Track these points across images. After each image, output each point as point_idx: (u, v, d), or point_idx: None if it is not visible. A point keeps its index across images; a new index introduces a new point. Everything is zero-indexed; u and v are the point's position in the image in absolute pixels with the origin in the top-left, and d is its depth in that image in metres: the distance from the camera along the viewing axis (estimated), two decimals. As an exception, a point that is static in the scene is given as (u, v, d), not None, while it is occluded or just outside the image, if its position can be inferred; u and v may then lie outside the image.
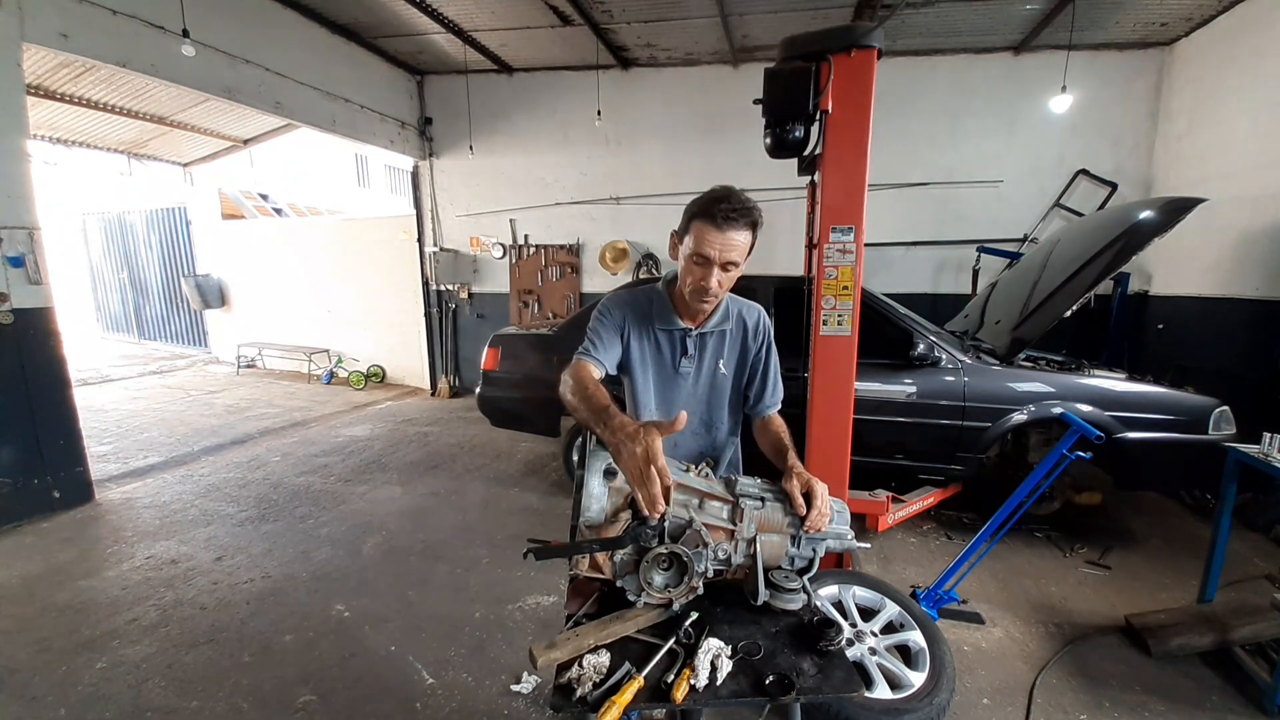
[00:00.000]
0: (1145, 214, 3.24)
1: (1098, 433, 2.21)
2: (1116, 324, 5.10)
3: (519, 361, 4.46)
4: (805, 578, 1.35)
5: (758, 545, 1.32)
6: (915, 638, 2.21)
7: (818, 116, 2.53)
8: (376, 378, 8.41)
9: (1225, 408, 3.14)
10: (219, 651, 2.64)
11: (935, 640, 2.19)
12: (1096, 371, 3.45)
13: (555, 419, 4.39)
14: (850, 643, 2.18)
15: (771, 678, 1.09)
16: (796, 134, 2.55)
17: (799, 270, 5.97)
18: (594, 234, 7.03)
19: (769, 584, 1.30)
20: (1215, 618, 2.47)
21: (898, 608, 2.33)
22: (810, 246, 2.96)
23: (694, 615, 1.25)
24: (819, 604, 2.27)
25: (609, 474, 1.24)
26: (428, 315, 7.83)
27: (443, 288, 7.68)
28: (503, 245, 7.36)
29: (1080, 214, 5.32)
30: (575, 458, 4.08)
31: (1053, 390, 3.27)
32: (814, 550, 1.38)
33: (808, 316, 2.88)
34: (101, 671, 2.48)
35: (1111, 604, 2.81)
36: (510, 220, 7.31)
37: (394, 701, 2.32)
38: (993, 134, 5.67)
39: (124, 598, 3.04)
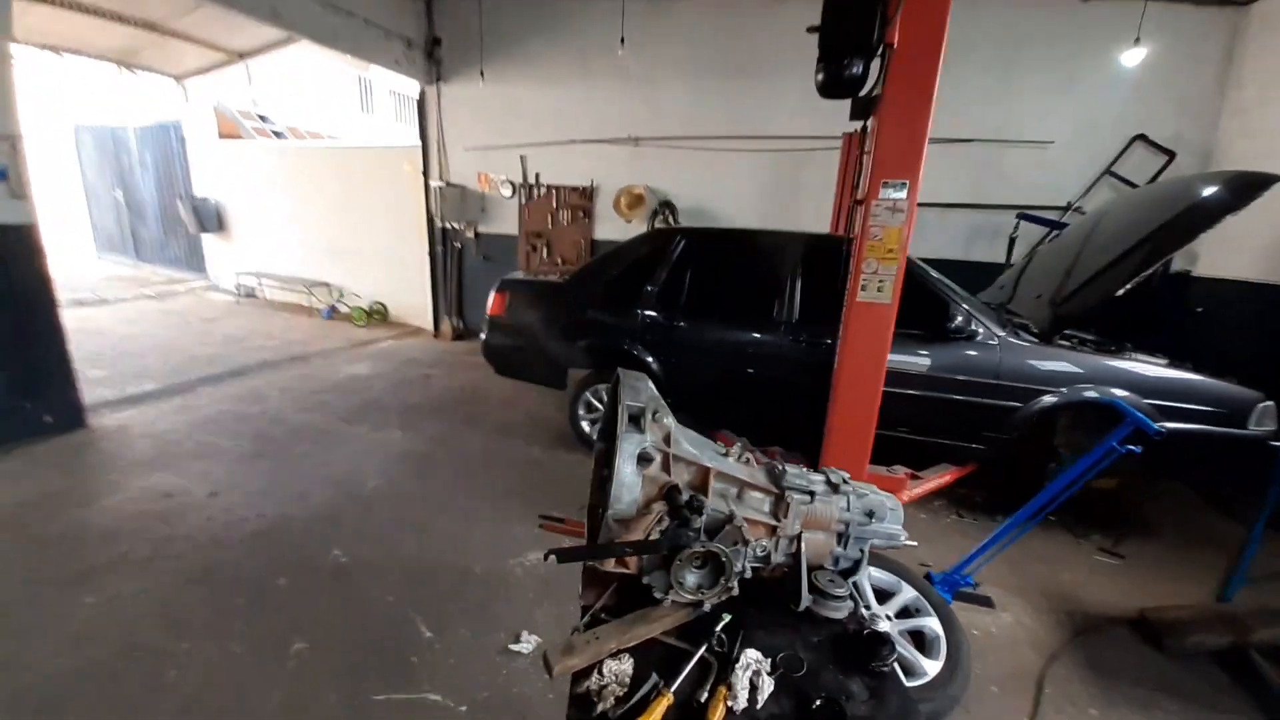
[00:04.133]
0: (1211, 189, 2.95)
1: (1156, 428, 2.05)
2: (1159, 306, 4.86)
3: (527, 309, 4.26)
4: (851, 580, 1.21)
5: (802, 544, 1.17)
6: (931, 624, 2.13)
7: (880, 51, 2.23)
8: (379, 315, 8.21)
9: (1271, 403, 2.97)
10: (212, 592, 2.59)
11: (952, 627, 2.11)
12: (1138, 355, 3.25)
13: (562, 371, 4.24)
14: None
15: (819, 702, 0.97)
16: (855, 70, 2.25)
17: (823, 229, 5.70)
18: (609, 177, 6.65)
19: (812, 588, 1.17)
20: (1234, 618, 2.40)
21: (914, 592, 2.24)
22: (855, 202, 2.70)
23: (727, 618, 1.12)
24: (866, 613, 2.17)
25: (644, 460, 1.08)
26: (432, 254, 7.54)
27: (448, 225, 7.36)
28: (512, 184, 6.98)
29: (1133, 184, 4.96)
30: (581, 412, 3.92)
31: (1092, 373, 3.09)
32: (861, 551, 1.25)
33: (843, 280, 2.66)
34: (92, 607, 2.43)
35: (1124, 595, 2.74)
36: (521, 156, 6.90)
37: (390, 655, 2.28)
38: (1048, 90, 5.21)
39: (117, 530, 2.98)
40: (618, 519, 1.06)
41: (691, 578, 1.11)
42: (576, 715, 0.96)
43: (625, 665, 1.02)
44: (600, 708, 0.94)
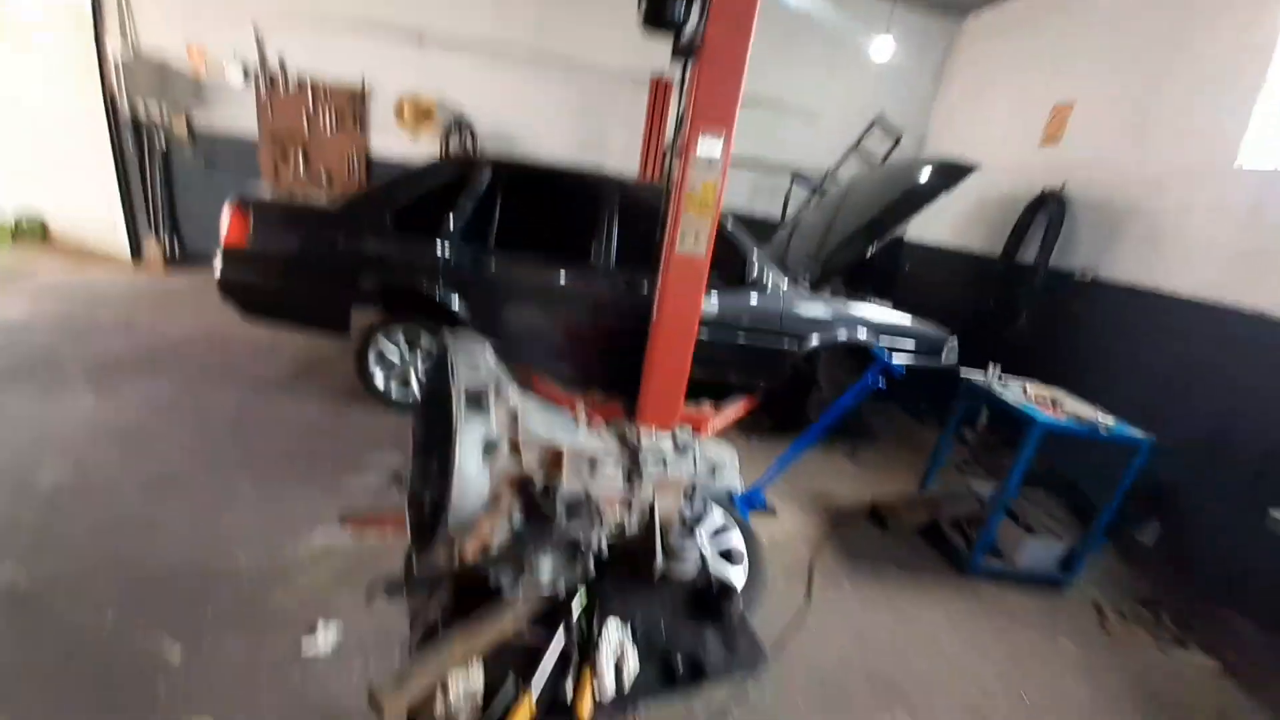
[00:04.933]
0: (925, 175, 3.72)
1: (902, 368, 2.54)
2: (878, 262, 6.09)
3: (283, 238, 3.39)
4: (699, 532, 1.24)
5: (655, 512, 1.15)
6: (736, 539, 2.41)
7: (703, -6, 2.16)
8: (32, 233, 5.83)
9: (954, 338, 3.96)
10: None
11: (752, 539, 2.42)
12: (874, 301, 4.02)
13: (340, 312, 3.48)
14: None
15: (680, 663, 0.97)
16: (679, 5, 2.15)
17: (631, 167, 5.69)
18: (388, 78, 5.57)
19: (664, 551, 1.16)
20: (930, 500, 3.25)
21: (721, 511, 2.50)
22: (669, 150, 2.68)
23: (583, 601, 1.05)
24: (712, 564, 2.29)
25: (489, 450, 0.90)
26: (119, 151, 5.51)
27: (146, 116, 5.43)
28: (245, 67, 5.39)
29: (876, 155, 5.99)
30: (372, 361, 3.34)
31: (845, 317, 3.72)
32: (705, 504, 1.28)
33: (661, 230, 2.67)
34: None
35: (862, 491, 3.50)
36: (255, 28, 5.31)
37: (118, 689, 1.73)
38: (821, 66, 5.89)
39: None
40: (460, 525, 0.88)
41: (546, 564, 1.00)
42: (420, 754, 0.80)
43: (475, 679, 0.88)
44: (451, 737, 0.80)
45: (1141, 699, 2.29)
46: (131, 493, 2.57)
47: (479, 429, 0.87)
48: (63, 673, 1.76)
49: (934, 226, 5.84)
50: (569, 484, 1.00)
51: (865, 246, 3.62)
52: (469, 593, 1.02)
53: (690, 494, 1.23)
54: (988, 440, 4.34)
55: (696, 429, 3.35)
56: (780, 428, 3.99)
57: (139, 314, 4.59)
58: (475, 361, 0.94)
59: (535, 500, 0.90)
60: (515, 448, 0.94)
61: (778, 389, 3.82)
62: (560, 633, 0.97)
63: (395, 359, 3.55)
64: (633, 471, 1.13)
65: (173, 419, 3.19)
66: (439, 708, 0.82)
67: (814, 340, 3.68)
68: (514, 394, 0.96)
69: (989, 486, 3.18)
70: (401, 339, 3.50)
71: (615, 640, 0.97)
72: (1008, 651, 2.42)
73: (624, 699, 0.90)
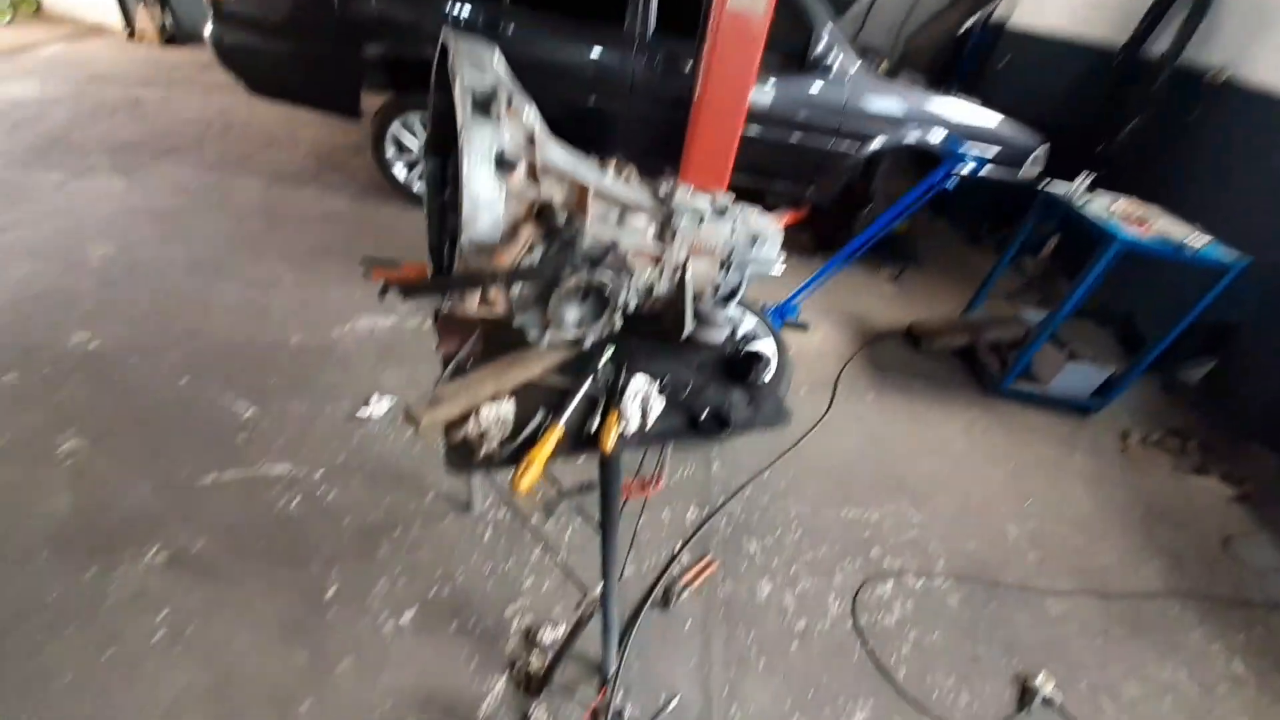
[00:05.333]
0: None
1: (977, 168, 2.22)
2: (973, 50, 5.10)
3: (274, -4, 2.95)
4: (733, 304, 1.18)
5: (688, 272, 1.06)
6: (766, 348, 2.39)
7: None
8: (28, 7, 5.35)
9: (1045, 146, 3.42)
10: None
11: (782, 350, 2.41)
12: (958, 96, 3.44)
13: (350, 86, 3.14)
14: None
15: (706, 412, 0.96)
16: None
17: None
18: None
19: (696, 316, 1.11)
20: (972, 325, 3.13)
21: (755, 319, 2.45)
22: None
23: (610, 350, 1.03)
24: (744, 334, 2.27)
25: (503, 166, 0.79)
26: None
27: None
28: None
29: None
30: (390, 150, 3.17)
31: (927, 113, 3.21)
32: (741, 277, 1.19)
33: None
34: None
35: (900, 313, 3.38)
36: None
37: (203, 437, 1.96)
38: None
39: None
40: (478, 247, 0.81)
41: (572, 313, 0.95)
42: (457, 461, 0.84)
43: (505, 409, 0.89)
44: (484, 451, 0.83)
45: (1146, 514, 2.35)
46: (179, 273, 2.66)
47: (488, 136, 0.75)
48: (150, 422, 1.97)
49: (1050, 9, 4.76)
50: (593, 228, 0.91)
51: (962, 21, 2.96)
52: (498, 341, 1.00)
53: (727, 262, 1.13)
54: (1048, 269, 4.03)
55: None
56: (823, 247, 3.76)
57: (146, 93, 4.35)
58: (481, 62, 0.78)
59: (559, 234, 0.81)
60: (533, 173, 0.83)
61: (826, 202, 3.50)
62: (589, 379, 0.96)
63: (415, 147, 3.32)
64: (665, 228, 1.02)
65: (203, 205, 3.17)
66: (471, 427, 0.84)
67: (878, 142, 3.24)
68: (531, 109, 0.82)
69: (1038, 315, 3.01)
70: (418, 124, 3.23)
71: (641, 388, 0.96)
72: (1020, 462, 2.49)
73: (646, 435, 0.91)
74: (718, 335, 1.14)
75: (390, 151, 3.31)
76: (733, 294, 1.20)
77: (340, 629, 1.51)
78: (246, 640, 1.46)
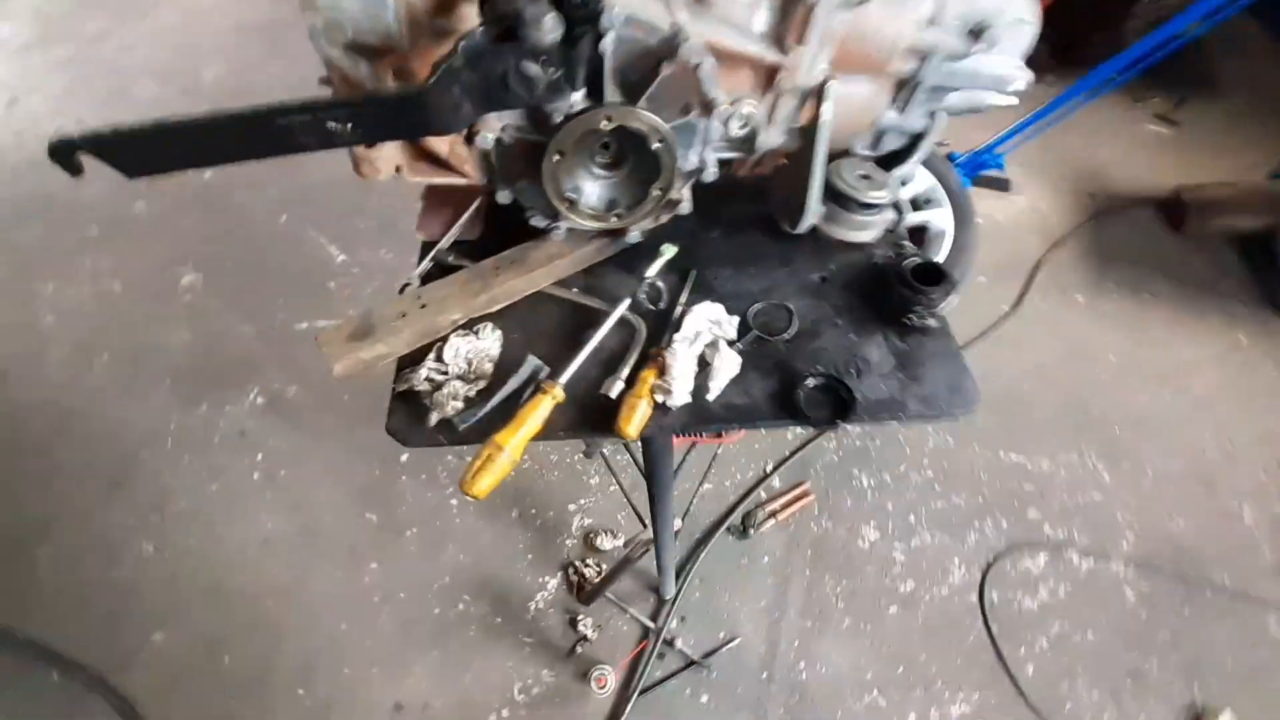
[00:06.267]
0: None
1: None
2: None
3: None
4: (901, 175, 0.67)
5: (827, 109, 0.57)
6: (941, 218, 1.74)
7: None
8: None
9: None
10: (55, 227, 2.08)
11: (965, 223, 1.74)
12: None
13: None
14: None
15: (812, 383, 0.56)
16: None
17: None
18: None
19: (831, 193, 0.63)
20: (1276, 199, 2.05)
21: (932, 179, 1.77)
22: None
23: (668, 252, 0.63)
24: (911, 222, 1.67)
25: None
26: None
27: None
28: None
29: None
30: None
31: None
32: (930, 118, 0.65)
33: None
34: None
35: (1164, 171, 2.31)
36: None
37: (300, 281, 1.94)
38: None
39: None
40: (349, 39, 0.42)
41: (593, 186, 0.55)
42: (401, 424, 0.56)
43: (485, 343, 0.57)
44: (437, 414, 0.54)
45: None
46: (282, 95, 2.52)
47: None
48: (253, 261, 1.99)
49: None
50: (633, 3, 0.45)
51: None
52: (509, 220, 0.64)
53: (912, 81, 0.60)
54: None
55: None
56: (1065, 60, 2.58)
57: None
58: None
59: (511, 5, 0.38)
60: None
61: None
62: (625, 301, 0.59)
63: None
64: (790, 10, 0.52)
65: (297, 22, 2.92)
66: (419, 374, 0.54)
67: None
68: None
69: None
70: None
71: (704, 327, 0.57)
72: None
73: (704, 416, 0.54)
74: (865, 230, 0.67)
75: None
76: (908, 151, 0.68)
77: (410, 498, 1.50)
78: (327, 494, 1.51)
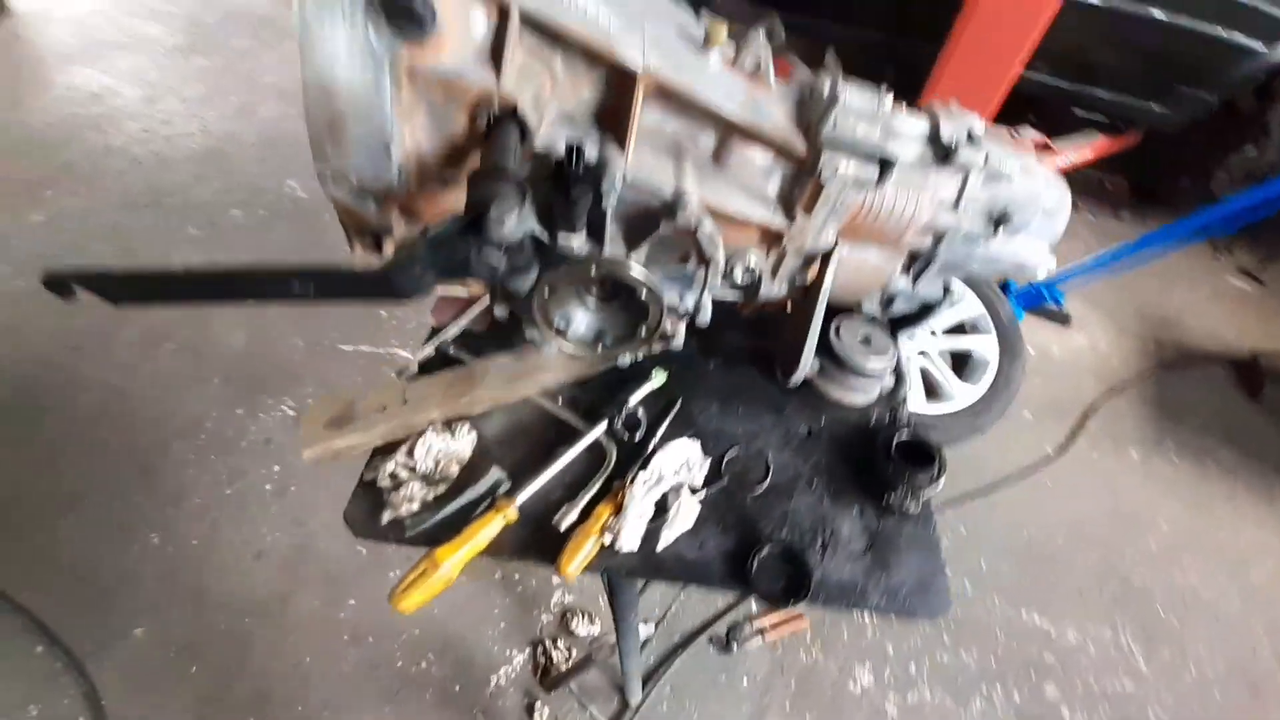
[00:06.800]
0: None
1: None
2: None
3: None
4: (906, 337, 0.66)
5: (829, 274, 0.57)
6: (986, 346, 1.67)
7: None
8: None
9: None
10: (162, 219, 2.31)
11: (1012, 354, 1.67)
12: None
13: None
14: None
15: (766, 550, 0.54)
16: None
17: None
18: None
19: (825, 350, 0.63)
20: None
21: (980, 306, 1.72)
22: None
23: (659, 377, 0.63)
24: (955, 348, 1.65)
25: (400, 10, 0.39)
26: None
27: None
28: None
29: None
30: None
31: None
32: (945, 288, 0.64)
33: None
34: (40, 225, 2.21)
35: (1244, 329, 2.17)
36: None
37: (306, 237, 2.12)
38: None
39: (49, 136, 2.57)
40: (354, 186, 0.45)
41: (584, 317, 0.57)
42: (359, 514, 0.57)
43: (457, 444, 0.59)
44: (390, 513, 0.55)
45: None
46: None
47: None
48: (255, 218, 2.19)
49: None
50: (640, 162, 0.47)
51: None
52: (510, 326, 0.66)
53: (927, 254, 0.60)
54: None
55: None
56: (1143, 199, 2.52)
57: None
58: None
59: (502, 175, 0.40)
60: (500, 35, 0.41)
61: (1176, 129, 2.23)
62: (602, 423, 0.59)
63: None
64: (802, 176, 0.53)
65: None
66: (383, 472, 0.56)
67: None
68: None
69: None
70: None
71: (673, 467, 0.56)
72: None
73: (649, 563, 0.53)
74: (862, 391, 0.65)
75: None
76: (919, 315, 0.67)
77: (401, 535, 1.51)
78: (328, 518, 1.54)
